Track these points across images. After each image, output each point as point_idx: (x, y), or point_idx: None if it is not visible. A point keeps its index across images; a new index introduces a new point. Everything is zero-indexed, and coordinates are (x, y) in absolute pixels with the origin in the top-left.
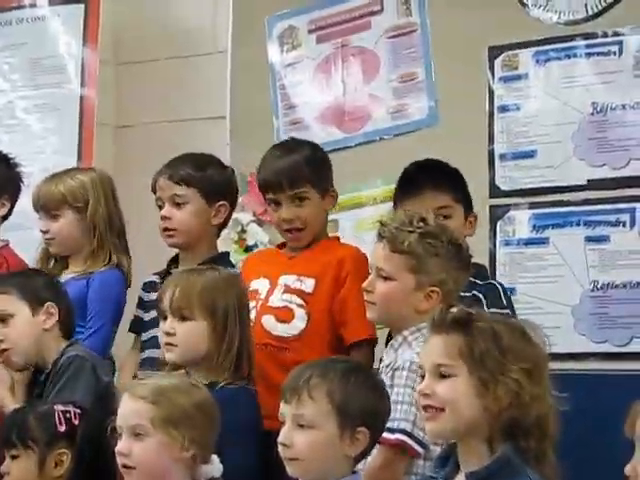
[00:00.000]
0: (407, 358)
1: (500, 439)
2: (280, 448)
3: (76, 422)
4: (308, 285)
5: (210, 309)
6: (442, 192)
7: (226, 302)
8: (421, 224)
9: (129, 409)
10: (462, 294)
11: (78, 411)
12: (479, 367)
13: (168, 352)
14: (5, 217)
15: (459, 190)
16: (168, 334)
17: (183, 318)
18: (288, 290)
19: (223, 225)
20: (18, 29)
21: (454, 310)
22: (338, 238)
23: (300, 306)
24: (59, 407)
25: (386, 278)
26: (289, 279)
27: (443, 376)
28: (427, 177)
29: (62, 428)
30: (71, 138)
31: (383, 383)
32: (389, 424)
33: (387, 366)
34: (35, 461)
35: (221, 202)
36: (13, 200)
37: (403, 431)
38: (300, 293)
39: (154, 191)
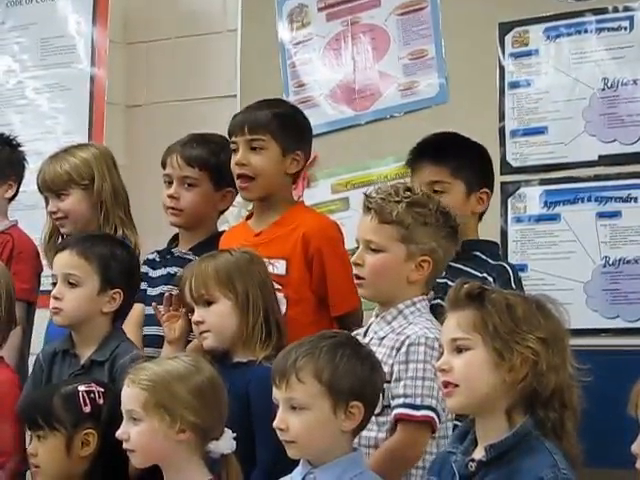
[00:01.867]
0: (420, 334)
1: (519, 411)
2: (278, 432)
3: (100, 401)
4: (280, 268)
5: (228, 287)
6: (440, 166)
7: (243, 277)
8: (408, 193)
9: (126, 394)
10: (474, 272)
11: (102, 390)
12: (494, 338)
13: (204, 340)
14: (12, 198)
15: (460, 165)
16: (198, 323)
17: (207, 303)
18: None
19: (226, 209)
20: (27, 9)
21: (467, 285)
22: (303, 204)
23: (277, 290)
24: (82, 387)
25: (375, 250)
26: None
27: (460, 350)
28: (429, 150)
29: (87, 408)
30: (81, 118)
31: (373, 355)
32: (409, 400)
33: (381, 338)
34: (62, 442)
35: (229, 189)
36: (19, 182)
37: (429, 407)
38: (274, 277)
39: (164, 166)
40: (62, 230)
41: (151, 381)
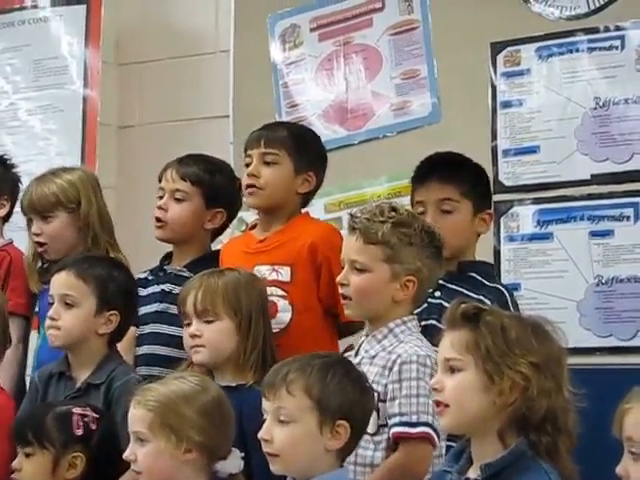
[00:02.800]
0: (411, 352)
1: (512, 433)
2: (262, 444)
3: (93, 427)
4: (284, 274)
5: (235, 307)
6: (447, 184)
7: (249, 300)
8: (393, 214)
9: (132, 416)
10: (469, 294)
11: (96, 416)
12: (485, 360)
13: (195, 354)
14: (6, 218)
15: (469, 185)
16: (194, 336)
17: (208, 319)
18: (266, 282)
19: (218, 232)
20: (20, 30)
21: (463, 305)
22: (308, 214)
23: (281, 297)
24: (77, 410)
25: (360, 270)
26: (264, 270)
27: (453, 370)
28: (436, 168)
29: (79, 431)
30: (74, 139)
31: (364, 376)
32: (405, 418)
33: (372, 357)
34: (49, 461)
35: (219, 209)
36: (13, 201)
37: (426, 424)
38: (278, 284)
39: (160, 181)
40: (45, 257)
41: (157, 402)
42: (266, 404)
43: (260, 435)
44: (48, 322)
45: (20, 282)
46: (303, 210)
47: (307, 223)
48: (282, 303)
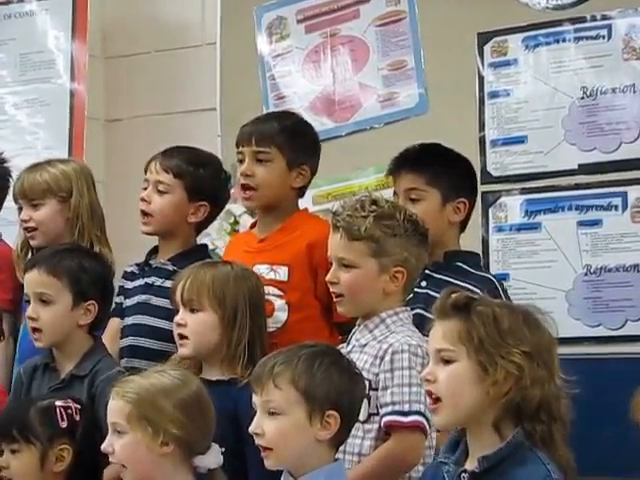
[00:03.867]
0: (403, 341)
1: (507, 424)
2: (255, 437)
3: (77, 418)
4: (282, 274)
5: (219, 300)
6: (416, 174)
7: (236, 294)
8: (374, 207)
9: (111, 407)
10: (457, 283)
11: (78, 407)
12: (478, 350)
13: (181, 347)
14: None
15: (436, 174)
16: (179, 325)
17: (193, 309)
18: (263, 281)
19: (202, 225)
20: (6, 24)
21: (454, 295)
22: (307, 211)
23: (278, 296)
24: (60, 402)
25: (348, 266)
26: (262, 269)
27: (445, 361)
28: (408, 159)
29: (64, 424)
30: (61, 133)
31: (354, 366)
32: (397, 407)
33: (363, 345)
34: (36, 456)
35: (202, 202)
36: (2, 195)
37: (418, 412)
38: (275, 283)
39: (146, 172)
40: (31, 242)
41: (136, 394)
42: (255, 398)
43: (251, 429)
44: (29, 322)
45: (7, 277)
46: (301, 203)
47: (306, 221)
48: (279, 302)
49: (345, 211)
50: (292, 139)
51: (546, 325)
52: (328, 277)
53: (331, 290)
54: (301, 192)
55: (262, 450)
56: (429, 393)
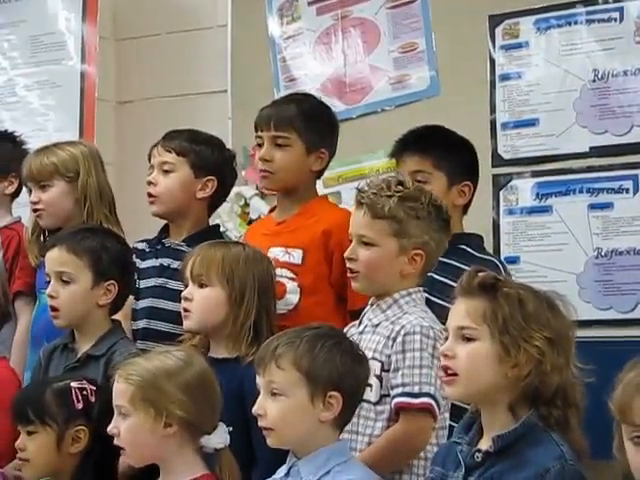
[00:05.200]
0: (415, 322)
1: (522, 407)
2: (258, 419)
3: (92, 399)
4: (296, 257)
5: (227, 277)
6: (422, 157)
7: (245, 274)
8: (399, 187)
9: (115, 389)
10: (462, 266)
11: (94, 388)
12: (502, 332)
13: (185, 319)
14: (15, 195)
15: (442, 157)
16: (186, 299)
17: (201, 285)
18: (277, 264)
19: (214, 203)
20: (17, 6)
21: (481, 274)
22: (326, 198)
23: (291, 279)
24: (75, 384)
25: (368, 244)
26: (277, 252)
27: (466, 339)
28: (414, 141)
29: (79, 405)
30: (72, 115)
31: (357, 347)
32: (407, 389)
33: (375, 325)
34: (53, 438)
35: (209, 177)
36: (21, 177)
37: (428, 394)
38: (289, 266)
39: (150, 160)
40: (40, 223)
41: (139, 376)
42: (259, 379)
43: (254, 410)
44: (48, 300)
45: (29, 261)
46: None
47: (324, 208)
48: (291, 285)
49: (370, 189)
50: (311, 123)
51: (566, 311)
52: (347, 253)
53: (348, 266)
54: (319, 175)
55: (264, 430)
56: (445, 368)
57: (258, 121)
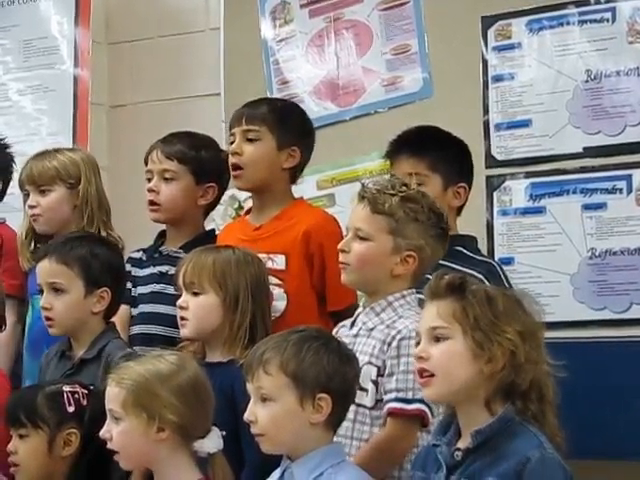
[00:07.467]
0: (411, 327)
1: (498, 402)
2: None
3: (84, 402)
4: (279, 262)
5: (220, 283)
6: (418, 159)
7: (237, 277)
8: (403, 188)
9: (108, 394)
10: (458, 268)
11: (85, 392)
12: (474, 328)
13: (182, 327)
14: None
15: (438, 159)
16: (181, 308)
17: (195, 291)
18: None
19: (211, 207)
20: (9, 10)
21: (447, 276)
22: (304, 200)
23: (277, 285)
24: (67, 387)
25: (363, 239)
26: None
27: (438, 339)
28: (409, 142)
29: (71, 408)
30: (65, 119)
31: (345, 347)
32: (401, 394)
33: (370, 329)
34: (45, 441)
35: (210, 184)
36: (6, 181)
37: (422, 401)
38: (274, 272)
39: (146, 163)
40: (36, 227)
41: (131, 380)
42: (248, 385)
43: (245, 417)
44: (43, 312)
45: (13, 263)
46: (305, 187)
47: (303, 210)
48: (277, 291)
49: (375, 185)
50: (282, 119)
51: (533, 310)
52: (340, 245)
53: (340, 259)
54: (292, 177)
55: (256, 436)
56: (421, 370)
57: (232, 120)
